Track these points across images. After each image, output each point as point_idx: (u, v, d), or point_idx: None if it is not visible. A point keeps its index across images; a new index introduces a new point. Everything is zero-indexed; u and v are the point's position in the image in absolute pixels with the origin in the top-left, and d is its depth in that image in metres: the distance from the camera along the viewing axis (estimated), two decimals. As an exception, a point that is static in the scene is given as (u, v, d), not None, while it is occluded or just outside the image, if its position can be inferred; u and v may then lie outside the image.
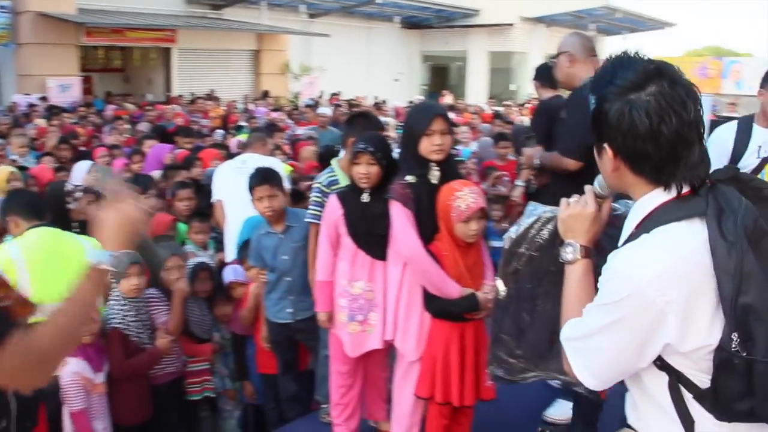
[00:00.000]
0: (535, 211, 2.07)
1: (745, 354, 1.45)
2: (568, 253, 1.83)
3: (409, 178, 3.36)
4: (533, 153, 4.27)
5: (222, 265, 5.04)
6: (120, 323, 3.91)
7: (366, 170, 3.52)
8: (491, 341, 2.22)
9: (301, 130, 12.01)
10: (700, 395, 1.56)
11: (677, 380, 1.59)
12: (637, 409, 1.74)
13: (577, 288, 1.80)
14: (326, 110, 13.31)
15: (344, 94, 21.85)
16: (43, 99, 15.79)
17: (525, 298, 2.07)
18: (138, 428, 4.02)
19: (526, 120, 13.42)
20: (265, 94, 20.35)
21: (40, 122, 11.99)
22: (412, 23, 29.23)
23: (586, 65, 3.96)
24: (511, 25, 28.00)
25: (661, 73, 1.57)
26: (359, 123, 4.35)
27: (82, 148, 8.90)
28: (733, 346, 1.45)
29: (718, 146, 4.02)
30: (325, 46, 23.92)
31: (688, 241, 1.52)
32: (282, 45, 23.35)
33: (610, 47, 27.85)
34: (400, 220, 3.33)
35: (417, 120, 3.41)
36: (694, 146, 1.57)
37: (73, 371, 3.61)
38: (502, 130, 9.39)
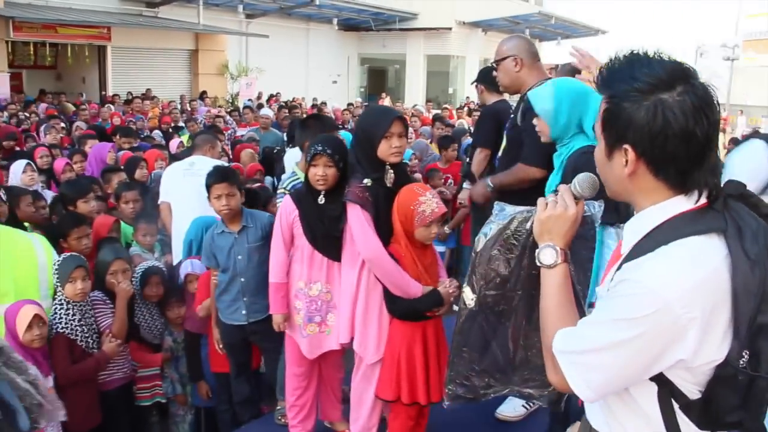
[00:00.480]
0: (505, 211, 1.98)
1: (750, 371, 1.48)
2: (548, 256, 1.76)
3: (367, 181, 3.39)
4: (480, 189, 4.27)
5: (170, 267, 4.97)
6: (65, 328, 3.81)
7: (323, 172, 3.51)
8: (451, 359, 2.13)
9: (241, 132, 11.92)
10: (687, 406, 1.57)
11: (669, 391, 1.57)
12: (612, 416, 1.71)
13: (557, 293, 1.74)
14: (268, 112, 13.23)
15: (283, 95, 21.76)
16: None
17: (493, 305, 1.97)
18: (87, 435, 3.94)
19: (464, 123, 13.59)
20: (203, 95, 20.07)
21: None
22: (350, 25, 29.25)
23: (533, 70, 4.05)
24: (448, 29, 28.31)
25: (688, 73, 1.54)
26: (314, 125, 4.36)
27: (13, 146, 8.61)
28: (742, 363, 1.47)
29: (754, 163, 3.57)
30: (263, 47, 23.77)
31: (712, 258, 1.49)
32: (220, 45, 23.07)
33: (545, 53, 28.36)
34: (359, 222, 3.35)
35: (375, 123, 3.43)
36: (714, 150, 1.56)
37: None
38: (443, 133, 9.45)
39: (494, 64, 4.26)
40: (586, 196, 1.84)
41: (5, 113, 12.08)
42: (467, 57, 30.05)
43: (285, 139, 9.24)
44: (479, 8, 27.65)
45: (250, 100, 20.12)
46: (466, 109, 18.70)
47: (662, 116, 1.50)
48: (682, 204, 1.58)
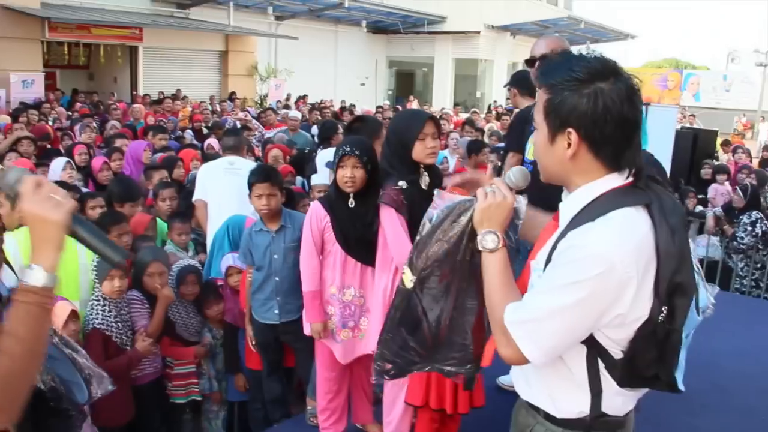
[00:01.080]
0: (441, 199, 2.09)
1: (667, 325, 1.70)
2: (490, 241, 1.87)
3: (402, 184, 3.40)
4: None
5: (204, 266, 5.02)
6: (101, 323, 3.87)
7: (351, 173, 3.50)
8: (384, 335, 2.18)
9: (269, 133, 11.99)
10: (611, 365, 1.76)
11: (596, 352, 1.76)
12: (542, 382, 1.89)
13: (500, 274, 1.85)
14: (297, 113, 13.29)
15: (311, 97, 21.85)
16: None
17: (429, 287, 2.06)
18: (120, 430, 3.99)
19: (493, 126, 13.58)
20: (232, 96, 20.22)
21: (5, 118, 11.79)
22: (378, 28, 29.33)
23: None
24: (477, 32, 28.30)
25: (617, 66, 1.74)
26: (360, 128, 4.38)
27: (46, 144, 8.76)
28: (660, 318, 1.68)
29: None
30: (292, 48, 23.89)
31: (642, 226, 1.69)
32: (249, 47, 23.24)
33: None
34: (393, 225, 3.35)
35: (408, 125, 3.44)
36: (639, 133, 1.77)
37: None
38: (472, 137, 9.47)
39: (527, 65, 4.26)
40: (520, 186, 1.98)
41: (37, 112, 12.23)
42: (495, 61, 30.02)
43: (317, 140, 9.26)
44: (508, 12, 27.63)
45: (278, 101, 20.24)
46: (494, 113, 18.67)
47: (602, 102, 1.69)
48: (614, 181, 1.76)
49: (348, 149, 3.51)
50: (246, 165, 5.41)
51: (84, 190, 6.17)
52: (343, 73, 27.62)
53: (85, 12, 18.46)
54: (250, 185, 4.12)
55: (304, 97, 21.40)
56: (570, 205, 1.80)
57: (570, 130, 1.73)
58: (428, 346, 2.09)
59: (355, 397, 4.01)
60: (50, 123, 11.73)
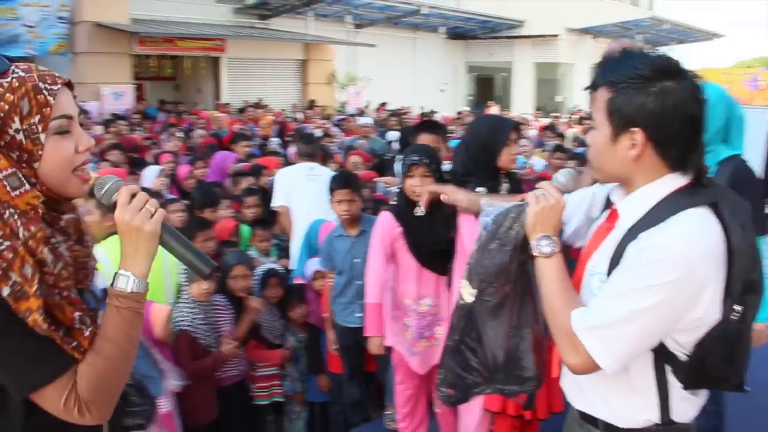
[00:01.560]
0: (494, 206, 2.08)
1: (740, 324, 1.66)
2: (546, 245, 1.83)
3: (481, 190, 3.39)
4: None
5: (288, 270, 5.11)
6: (189, 326, 3.98)
7: (420, 183, 3.51)
8: (446, 356, 2.11)
9: (349, 140, 12.13)
10: (678, 368, 1.72)
11: (664, 356, 1.72)
12: (600, 391, 1.83)
13: (559, 279, 1.81)
14: (368, 120, 13.41)
15: (390, 104, 21.94)
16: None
17: (489, 300, 2.01)
18: (204, 428, 4.09)
19: (575, 131, 13.37)
20: (312, 104, 20.50)
21: (97, 129, 12.29)
22: (457, 34, 29.27)
23: None
24: (556, 36, 27.91)
25: (681, 65, 1.72)
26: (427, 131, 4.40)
27: (133, 155, 9.08)
28: (733, 316, 1.65)
29: None
30: (371, 56, 24.05)
31: (713, 225, 1.66)
32: (328, 55, 23.52)
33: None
34: (474, 232, 3.33)
35: (496, 132, 3.43)
36: (703, 132, 1.74)
37: None
38: (553, 142, 9.36)
39: None
40: (569, 189, 1.99)
41: (126, 124, 12.70)
42: (576, 64, 29.51)
43: (398, 146, 9.30)
44: (588, 14, 27.14)
45: (357, 108, 20.42)
46: (576, 117, 18.37)
47: (671, 101, 1.66)
48: (678, 180, 1.73)
49: (416, 158, 3.52)
50: (325, 171, 5.50)
51: (168, 196, 6.39)
52: (422, 79, 27.64)
53: (171, 26, 19.08)
54: (331, 191, 4.19)
55: (384, 104, 21.49)
56: (633, 205, 1.77)
57: (635, 129, 1.70)
58: (490, 365, 2.04)
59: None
60: (139, 133, 12.15)
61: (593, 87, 1.79)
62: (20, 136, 1.45)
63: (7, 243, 1.39)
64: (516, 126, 3.50)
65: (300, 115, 17.75)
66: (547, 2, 26.95)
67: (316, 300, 4.66)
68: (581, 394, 1.91)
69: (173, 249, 1.62)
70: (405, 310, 3.68)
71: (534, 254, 1.85)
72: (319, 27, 23.03)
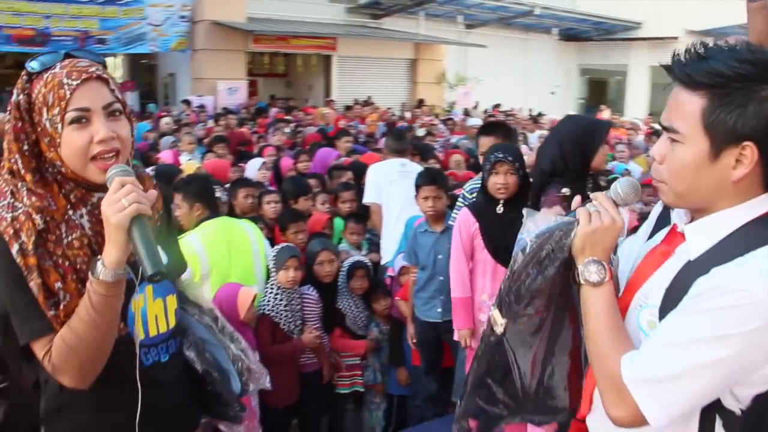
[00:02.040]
0: (536, 220, 1.74)
1: None
2: (594, 273, 1.56)
3: (565, 191, 3.36)
4: None
5: (376, 265, 5.20)
6: (271, 311, 4.11)
7: (504, 180, 3.55)
8: (471, 388, 1.91)
9: (455, 138, 12.16)
10: (731, 422, 1.46)
11: (717, 409, 1.46)
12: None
13: (608, 314, 1.55)
14: (477, 120, 13.37)
15: (500, 105, 21.78)
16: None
17: (521, 329, 1.78)
18: (283, 411, 4.22)
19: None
20: (421, 103, 20.60)
21: (209, 122, 12.86)
22: (570, 35, 28.69)
23: None
24: (675, 38, 26.88)
25: None
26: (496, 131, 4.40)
27: (240, 148, 9.46)
28: None
29: None
30: (481, 56, 23.91)
31: None
32: (439, 55, 23.57)
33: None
34: None
35: (593, 134, 3.41)
36: None
37: None
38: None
39: None
40: (629, 202, 1.66)
41: (235, 118, 13.18)
42: (696, 68, 28.36)
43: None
44: (711, 15, 25.93)
45: (465, 109, 20.39)
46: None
47: None
48: (762, 205, 1.46)
49: (501, 155, 3.54)
50: (416, 167, 5.55)
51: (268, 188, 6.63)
52: (533, 81, 27.26)
53: (285, 24, 19.60)
54: (417, 187, 4.24)
55: (498, 105, 21.25)
56: (707, 228, 1.49)
57: (747, 144, 1.39)
58: (519, 396, 1.84)
59: None
60: (248, 127, 12.59)
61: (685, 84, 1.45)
62: (48, 125, 1.70)
63: (22, 208, 1.68)
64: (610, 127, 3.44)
65: (408, 114, 17.88)
66: (667, 2, 25.99)
67: (402, 294, 4.71)
68: None
69: (133, 244, 1.62)
70: (480, 306, 3.70)
71: (580, 281, 1.60)
72: (430, 27, 23.10)
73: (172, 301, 1.99)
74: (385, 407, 4.81)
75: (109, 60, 17.72)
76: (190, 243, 3.90)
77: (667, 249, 1.61)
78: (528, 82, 27.08)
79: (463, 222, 3.72)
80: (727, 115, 1.39)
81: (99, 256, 1.64)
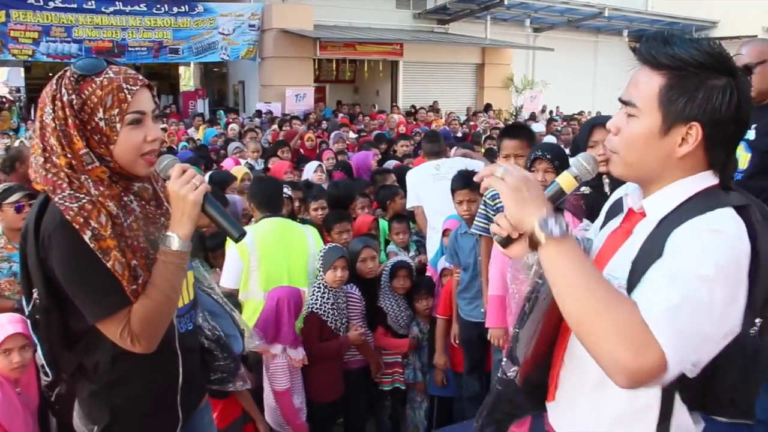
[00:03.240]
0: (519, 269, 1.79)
1: (759, 341, 1.49)
2: (554, 225, 1.46)
3: (584, 189, 3.38)
4: None
5: (423, 266, 5.28)
6: (319, 309, 4.22)
7: (543, 177, 3.54)
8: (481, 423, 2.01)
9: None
10: (686, 385, 1.51)
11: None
12: (597, 416, 1.67)
13: (591, 265, 1.49)
14: (540, 126, 13.31)
15: (567, 109, 21.51)
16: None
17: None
18: (328, 406, 4.33)
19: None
20: (488, 107, 20.56)
21: (275, 127, 13.17)
22: (641, 37, 27.92)
23: None
24: (754, 36, 26.04)
25: (734, 62, 1.55)
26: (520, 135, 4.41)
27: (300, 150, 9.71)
28: (752, 331, 1.47)
29: None
30: (549, 60, 23.71)
31: (744, 228, 1.47)
32: (506, 59, 23.48)
33: None
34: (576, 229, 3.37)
35: (581, 132, 3.44)
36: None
37: (279, 352, 3.95)
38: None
39: (752, 67, 4.00)
40: (587, 177, 1.71)
41: (300, 123, 13.46)
42: (775, 68, 27.37)
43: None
44: (790, 12, 25.09)
45: (533, 113, 20.24)
46: None
47: (736, 98, 1.49)
48: (710, 179, 1.57)
49: (539, 153, 3.57)
50: (451, 167, 5.57)
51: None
52: (602, 84, 26.79)
53: (352, 31, 19.90)
54: (453, 191, 4.31)
55: (582, 113, 20.68)
56: (663, 200, 1.59)
57: (694, 124, 1.51)
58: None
59: None
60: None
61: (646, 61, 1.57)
62: (102, 124, 1.86)
63: (87, 198, 1.83)
64: (600, 126, 3.33)
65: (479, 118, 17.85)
66: (744, 0, 25.22)
67: (442, 294, 4.77)
68: (570, 416, 1.76)
69: (210, 215, 1.89)
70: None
71: (540, 242, 1.48)
72: (497, 31, 23.04)
73: (191, 276, 2.22)
74: (428, 407, 4.86)
75: (182, 69, 18.44)
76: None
77: (626, 228, 1.70)
78: (597, 86, 26.64)
79: None
80: (680, 96, 1.51)
81: (170, 231, 1.88)
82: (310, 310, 4.21)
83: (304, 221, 5.03)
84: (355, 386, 4.43)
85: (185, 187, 1.84)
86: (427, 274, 5.10)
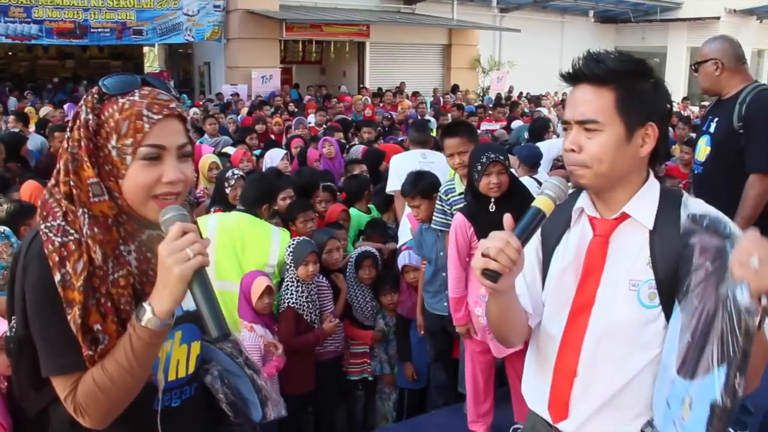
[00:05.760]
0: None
1: None
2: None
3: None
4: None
5: (391, 254, 5.29)
6: (295, 303, 4.22)
7: (498, 179, 3.61)
8: None
9: (486, 126, 12.17)
10: None
11: None
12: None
13: None
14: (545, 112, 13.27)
15: (534, 89, 21.59)
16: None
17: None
18: (300, 398, 4.35)
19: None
20: (455, 89, 20.59)
21: (243, 111, 13.06)
22: (607, 17, 28.31)
23: (735, 74, 3.89)
24: (716, 18, 26.32)
25: None
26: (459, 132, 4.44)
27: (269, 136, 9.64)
28: None
29: None
30: (516, 40, 23.80)
31: None
32: (472, 40, 23.51)
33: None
34: None
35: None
36: None
37: (258, 335, 3.93)
38: (686, 134, 9.00)
39: (694, 66, 4.10)
40: (563, 198, 1.72)
41: (271, 107, 13.38)
42: (737, 49, 27.71)
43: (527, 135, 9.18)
44: (751, -7, 25.37)
45: (499, 93, 20.31)
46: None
47: (665, 93, 1.74)
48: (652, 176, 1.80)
49: (494, 156, 3.61)
50: (437, 158, 5.61)
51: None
52: (568, 65, 26.83)
53: (318, 12, 19.78)
54: (404, 196, 4.38)
55: (547, 94, 20.79)
56: (642, 205, 1.75)
57: (650, 124, 1.70)
58: None
59: (516, 396, 4.05)
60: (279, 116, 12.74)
61: (575, 80, 1.77)
62: (114, 153, 1.59)
63: (75, 236, 1.58)
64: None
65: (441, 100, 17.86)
66: (708, -19, 25.49)
67: (407, 291, 4.81)
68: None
69: (196, 300, 1.53)
70: (478, 300, 3.79)
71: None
72: (463, 11, 23.04)
73: (196, 347, 1.88)
74: (396, 398, 4.91)
75: (146, 49, 18.11)
76: (207, 224, 4.22)
77: (602, 236, 1.79)
78: (564, 66, 26.27)
79: (459, 227, 3.80)
80: (632, 102, 1.69)
81: (147, 302, 1.54)
82: (286, 305, 4.22)
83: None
84: (326, 376, 4.46)
85: (174, 256, 1.49)
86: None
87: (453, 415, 4.40)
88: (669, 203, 1.74)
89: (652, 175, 1.79)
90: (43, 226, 1.60)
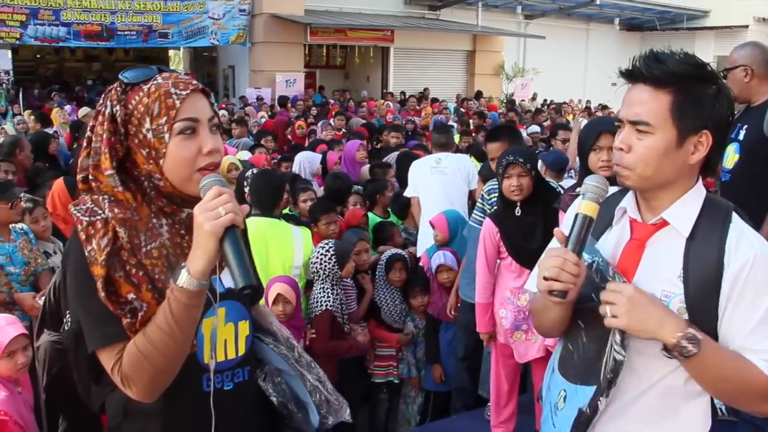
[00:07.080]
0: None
1: None
2: (690, 347, 1.61)
3: (579, 190, 3.39)
4: None
5: (413, 258, 5.28)
6: (332, 306, 4.20)
7: (517, 182, 3.58)
8: None
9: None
10: None
11: None
12: (676, 413, 1.76)
13: (723, 358, 1.66)
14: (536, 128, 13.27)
15: (558, 96, 21.51)
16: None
17: None
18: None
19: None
20: (478, 95, 20.55)
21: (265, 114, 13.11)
22: (632, 25, 28.14)
23: (765, 81, 3.83)
24: (744, 27, 26.07)
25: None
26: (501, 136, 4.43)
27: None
28: None
29: None
30: (540, 47, 23.68)
31: None
32: (497, 46, 23.45)
33: None
34: None
35: (586, 134, 3.40)
36: None
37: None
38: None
39: (723, 73, 4.04)
40: (604, 197, 1.75)
41: (294, 110, 13.41)
42: (766, 58, 27.40)
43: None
44: (781, 2, 25.11)
45: (523, 100, 20.25)
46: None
47: (727, 101, 1.65)
48: (700, 182, 1.75)
49: (511, 158, 3.59)
50: (452, 162, 5.61)
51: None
52: (594, 72, 26.81)
53: (343, 17, 19.83)
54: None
55: (571, 101, 20.69)
56: (682, 211, 1.71)
57: (704, 132, 1.65)
58: None
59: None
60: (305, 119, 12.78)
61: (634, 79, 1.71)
62: (150, 135, 1.64)
63: (101, 216, 1.63)
64: (609, 132, 3.22)
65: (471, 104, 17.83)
66: (736, -11, 25.25)
67: (438, 292, 4.77)
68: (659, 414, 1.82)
69: (225, 254, 1.55)
70: (503, 302, 3.78)
71: (694, 355, 1.63)
72: (488, 18, 22.99)
73: (244, 327, 1.86)
74: (422, 402, 4.89)
75: (171, 53, 18.20)
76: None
77: (638, 240, 1.78)
78: (588, 74, 26.67)
79: (487, 232, 3.78)
80: (689, 108, 1.64)
81: (183, 263, 1.56)
82: (324, 308, 4.19)
83: (298, 221, 4.97)
84: (349, 377, 4.44)
85: (206, 214, 1.52)
86: (421, 264, 5.09)
87: (475, 420, 4.38)
88: (714, 214, 1.69)
89: (700, 183, 1.73)
90: (74, 209, 1.67)
